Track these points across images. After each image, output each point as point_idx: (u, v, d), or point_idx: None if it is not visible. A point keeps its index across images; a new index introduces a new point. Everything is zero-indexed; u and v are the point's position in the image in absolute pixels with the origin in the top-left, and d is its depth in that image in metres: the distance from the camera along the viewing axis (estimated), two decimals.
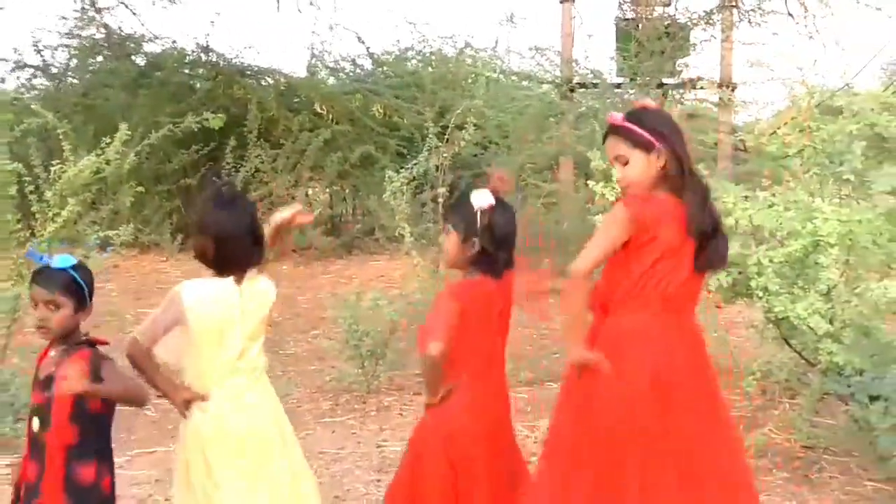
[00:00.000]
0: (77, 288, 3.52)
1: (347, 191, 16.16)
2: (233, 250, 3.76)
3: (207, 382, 3.78)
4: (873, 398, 5.44)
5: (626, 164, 3.66)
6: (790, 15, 12.97)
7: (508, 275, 4.09)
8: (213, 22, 15.56)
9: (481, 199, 4.02)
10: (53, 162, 7.08)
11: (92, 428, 3.53)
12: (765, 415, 6.56)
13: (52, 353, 3.52)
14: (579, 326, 3.67)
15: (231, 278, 3.79)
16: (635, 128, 3.66)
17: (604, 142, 3.83)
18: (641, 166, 3.65)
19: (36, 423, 3.43)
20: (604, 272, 3.80)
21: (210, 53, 15.52)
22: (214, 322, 3.75)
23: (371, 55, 16.17)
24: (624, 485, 3.61)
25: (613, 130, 3.71)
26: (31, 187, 7.02)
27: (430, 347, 3.87)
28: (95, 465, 3.53)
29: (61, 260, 3.53)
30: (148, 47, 15.99)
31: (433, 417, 4.06)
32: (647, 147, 3.63)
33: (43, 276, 3.51)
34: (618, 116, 3.72)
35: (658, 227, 3.60)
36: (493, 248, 4.00)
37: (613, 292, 3.69)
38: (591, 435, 3.70)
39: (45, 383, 3.46)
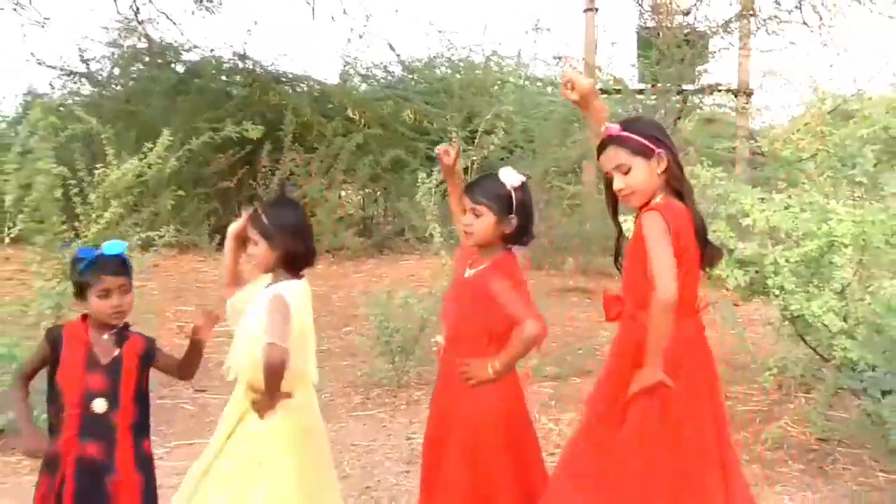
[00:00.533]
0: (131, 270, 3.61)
1: (379, 193, 16.20)
2: (307, 251, 3.85)
3: (295, 382, 3.80)
4: (885, 393, 5.43)
5: (626, 172, 3.66)
6: (805, 24, 12.92)
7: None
8: (249, 31, 15.64)
9: (512, 177, 4.04)
10: (97, 166, 7.12)
11: (145, 406, 3.66)
12: (781, 408, 6.56)
13: (105, 337, 3.55)
14: (663, 350, 3.56)
15: (304, 279, 3.84)
16: (633, 136, 3.66)
17: (598, 157, 3.81)
18: (645, 172, 3.66)
19: (102, 404, 3.48)
20: (628, 282, 3.83)
21: (246, 61, 15.60)
22: (305, 322, 3.80)
23: (401, 62, 16.22)
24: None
25: (611, 141, 3.70)
26: (76, 190, 7.06)
27: (532, 327, 3.86)
28: (148, 439, 3.68)
29: (115, 246, 3.58)
30: (187, 56, 16.11)
31: (488, 396, 4.00)
32: (647, 153, 3.65)
33: (109, 264, 3.54)
34: (614, 128, 3.70)
35: (687, 237, 3.63)
36: (527, 223, 4.06)
37: (641, 300, 3.64)
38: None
39: (111, 367, 3.52)
